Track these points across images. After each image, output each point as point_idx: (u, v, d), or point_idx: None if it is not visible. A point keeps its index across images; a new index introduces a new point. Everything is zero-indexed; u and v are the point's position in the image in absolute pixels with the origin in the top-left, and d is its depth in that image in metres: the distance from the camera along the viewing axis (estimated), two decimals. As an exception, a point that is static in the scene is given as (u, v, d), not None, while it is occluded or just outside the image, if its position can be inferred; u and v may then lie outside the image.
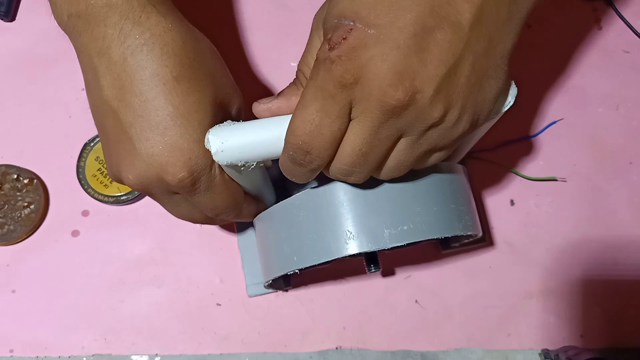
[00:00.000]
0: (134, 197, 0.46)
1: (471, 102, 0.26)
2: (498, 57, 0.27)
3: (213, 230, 0.46)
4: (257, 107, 0.31)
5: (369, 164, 0.28)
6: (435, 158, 0.29)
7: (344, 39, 0.25)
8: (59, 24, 0.31)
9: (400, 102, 0.24)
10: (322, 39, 0.29)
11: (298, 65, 0.32)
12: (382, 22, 0.25)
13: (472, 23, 0.25)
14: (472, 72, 0.26)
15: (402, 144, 0.27)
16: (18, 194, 0.46)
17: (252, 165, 0.30)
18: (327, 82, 0.25)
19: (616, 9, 0.53)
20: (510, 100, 0.30)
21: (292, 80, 0.32)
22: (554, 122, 0.50)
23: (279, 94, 0.32)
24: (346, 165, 0.27)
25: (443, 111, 0.25)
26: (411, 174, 0.32)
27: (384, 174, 0.29)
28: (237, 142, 0.29)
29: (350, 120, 0.26)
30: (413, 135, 0.27)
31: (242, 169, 0.30)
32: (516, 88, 0.30)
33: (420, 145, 0.27)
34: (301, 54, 0.32)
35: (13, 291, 0.45)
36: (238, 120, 0.31)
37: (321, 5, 0.30)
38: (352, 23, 0.25)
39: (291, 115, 0.27)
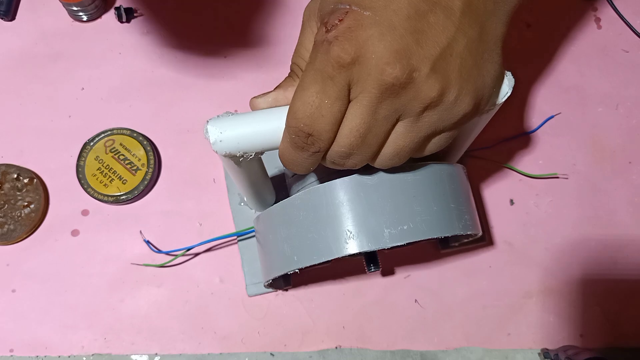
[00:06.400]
0: (133, 197, 0.46)
1: (470, 84, 0.27)
2: (491, 42, 0.28)
3: (213, 229, 0.46)
4: (254, 101, 0.32)
5: (366, 146, 0.28)
6: (434, 145, 0.29)
7: (340, 20, 0.25)
8: None
9: (398, 80, 0.25)
10: (314, 30, 0.29)
11: (292, 59, 0.32)
12: (377, 5, 0.25)
13: (463, 9, 0.26)
14: (468, 55, 0.26)
15: (400, 126, 0.27)
16: (18, 193, 0.46)
17: (251, 155, 0.30)
18: (325, 64, 0.25)
19: (616, 8, 0.53)
20: (507, 91, 0.30)
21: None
22: (552, 117, 0.50)
23: (276, 87, 0.32)
24: (344, 147, 0.27)
25: (440, 90, 0.26)
26: (411, 172, 0.32)
27: (382, 161, 0.29)
28: (235, 133, 0.29)
29: (349, 101, 0.26)
30: (411, 116, 0.27)
31: (240, 159, 0.30)
32: (513, 79, 0.30)
33: (418, 128, 0.27)
34: None
35: (13, 291, 0.45)
36: None
37: None
38: (347, 7, 0.26)
39: (289, 106, 0.27)
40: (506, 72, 0.30)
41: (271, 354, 0.44)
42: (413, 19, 0.25)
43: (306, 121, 0.26)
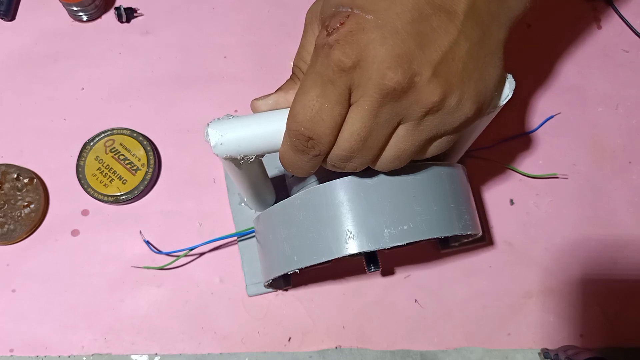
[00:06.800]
0: (133, 197, 0.46)
1: (472, 88, 0.27)
2: (493, 46, 0.28)
3: (213, 229, 0.46)
4: (255, 103, 0.32)
5: (367, 149, 0.28)
6: (435, 148, 0.29)
7: (342, 24, 0.25)
8: None
9: (400, 85, 0.25)
10: (316, 33, 0.29)
11: (294, 61, 0.32)
12: (380, 8, 0.25)
13: (467, 12, 0.26)
14: (470, 59, 0.26)
15: (401, 130, 0.27)
16: (18, 193, 0.46)
17: (252, 158, 0.30)
18: (326, 67, 0.25)
19: (616, 8, 0.53)
20: (508, 94, 0.30)
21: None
22: (552, 117, 0.50)
23: (277, 89, 0.32)
24: (345, 150, 0.27)
25: (442, 95, 0.26)
26: (411, 172, 0.32)
27: (383, 164, 0.29)
28: (236, 135, 0.29)
29: (350, 105, 0.26)
30: (412, 120, 0.27)
31: (241, 162, 0.30)
32: (514, 82, 0.30)
33: (420, 132, 0.27)
34: None
35: (13, 291, 0.45)
36: None
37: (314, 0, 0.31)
38: (349, 10, 0.25)
39: (289, 109, 0.27)
40: (507, 74, 0.30)
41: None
42: (416, 22, 0.25)
43: (306, 125, 0.26)
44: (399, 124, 0.27)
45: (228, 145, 0.29)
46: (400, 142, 0.28)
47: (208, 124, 0.29)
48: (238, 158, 0.30)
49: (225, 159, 0.30)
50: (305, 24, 0.31)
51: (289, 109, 0.27)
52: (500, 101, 0.30)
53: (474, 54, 0.26)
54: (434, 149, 0.29)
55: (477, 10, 0.26)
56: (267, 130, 0.29)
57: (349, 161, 0.28)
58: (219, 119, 0.30)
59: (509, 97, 0.30)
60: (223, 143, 0.29)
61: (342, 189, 0.32)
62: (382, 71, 0.25)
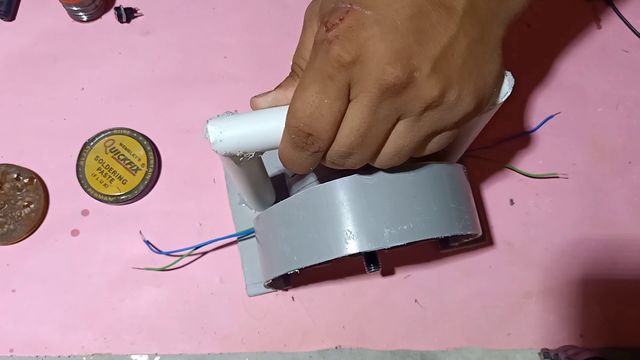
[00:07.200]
0: (133, 197, 0.46)
1: (471, 84, 0.27)
2: (492, 43, 0.28)
3: (213, 229, 0.46)
4: (255, 100, 0.32)
5: (366, 145, 0.27)
6: (434, 144, 0.29)
7: (341, 19, 0.25)
8: None
9: (399, 80, 0.25)
10: (315, 30, 0.29)
11: (293, 59, 0.32)
12: (379, 4, 0.25)
13: (466, 9, 0.26)
14: (469, 55, 0.26)
15: (400, 126, 0.27)
16: (18, 193, 0.46)
17: (251, 155, 0.30)
18: (325, 63, 0.25)
19: (616, 8, 0.53)
20: (507, 91, 0.30)
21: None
22: (552, 117, 0.50)
23: (276, 87, 0.32)
24: (344, 147, 0.27)
25: (441, 90, 0.26)
26: (411, 172, 0.32)
27: (383, 160, 0.29)
28: (235, 132, 0.29)
29: (349, 101, 0.26)
30: (412, 115, 0.27)
31: (240, 159, 0.30)
32: (513, 79, 0.30)
33: (419, 127, 0.27)
34: None
35: (13, 291, 0.45)
36: None
37: None
38: (348, 6, 0.25)
39: (289, 105, 0.27)
40: (506, 72, 0.30)
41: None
42: (416, 18, 0.25)
43: (306, 121, 0.26)
44: (398, 120, 0.27)
45: (227, 142, 0.29)
46: (399, 138, 0.28)
47: (207, 121, 0.29)
48: (237, 155, 0.30)
49: (225, 155, 0.30)
50: (304, 21, 0.31)
51: (288, 105, 0.27)
52: (499, 98, 0.30)
53: (473, 50, 0.26)
54: (433, 146, 0.29)
55: (477, 7, 0.27)
56: (267, 127, 0.29)
57: (348, 157, 0.28)
58: (218, 116, 0.30)
59: (508, 94, 0.30)
60: (222, 140, 0.29)
61: (342, 189, 0.32)
62: (381, 66, 0.25)
